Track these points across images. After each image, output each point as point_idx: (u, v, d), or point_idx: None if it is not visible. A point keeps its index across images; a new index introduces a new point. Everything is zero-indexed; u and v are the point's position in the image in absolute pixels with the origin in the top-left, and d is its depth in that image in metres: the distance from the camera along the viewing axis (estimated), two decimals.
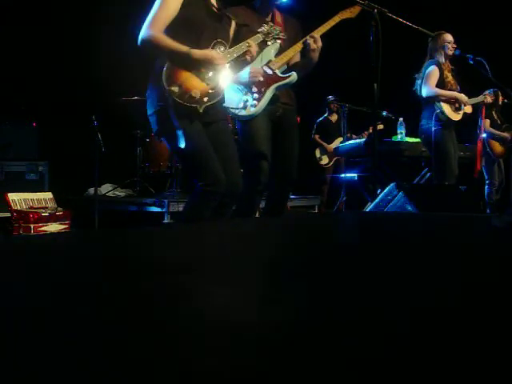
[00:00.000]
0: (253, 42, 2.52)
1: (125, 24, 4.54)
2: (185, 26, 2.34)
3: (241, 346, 0.51)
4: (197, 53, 2.32)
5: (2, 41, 5.00)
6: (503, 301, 0.71)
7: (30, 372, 0.43)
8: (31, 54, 5.12)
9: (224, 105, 2.73)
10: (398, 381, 0.43)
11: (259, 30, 2.59)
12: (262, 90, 2.79)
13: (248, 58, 2.53)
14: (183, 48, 2.30)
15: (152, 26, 2.30)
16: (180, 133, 2.30)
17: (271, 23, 2.65)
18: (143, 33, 2.31)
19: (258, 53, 2.64)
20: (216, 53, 2.38)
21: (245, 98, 2.79)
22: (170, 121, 2.33)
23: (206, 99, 2.35)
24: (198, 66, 2.34)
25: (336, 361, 0.47)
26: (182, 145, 2.31)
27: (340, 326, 0.59)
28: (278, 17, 2.95)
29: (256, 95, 2.78)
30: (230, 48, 2.47)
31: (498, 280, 0.86)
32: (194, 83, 2.34)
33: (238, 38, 2.63)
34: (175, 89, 2.27)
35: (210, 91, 2.38)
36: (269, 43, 2.62)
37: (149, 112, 2.43)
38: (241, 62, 2.55)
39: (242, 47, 2.48)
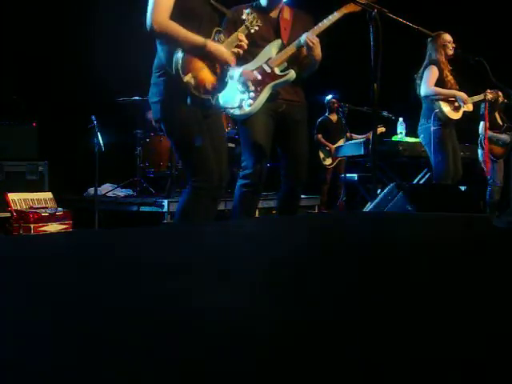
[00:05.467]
0: (243, 36, 2.51)
1: (125, 24, 4.54)
2: (185, 15, 2.31)
3: (240, 346, 0.51)
4: (212, 47, 2.32)
5: (2, 41, 5.00)
6: (503, 301, 0.71)
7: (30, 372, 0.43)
8: (31, 53, 5.12)
9: (222, 104, 2.73)
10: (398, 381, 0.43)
11: (243, 18, 2.58)
12: (259, 89, 2.78)
13: (240, 51, 2.52)
14: (199, 39, 2.29)
15: (159, 13, 2.24)
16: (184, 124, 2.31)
17: (250, 10, 2.62)
18: (152, 21, 2.24)
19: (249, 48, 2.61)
20: (229, 54, 2.38)
21: (241, 96, 2.78)
22: (175, 110, 2.32)
23: (216, 90, 2.37)
24: (208, 58, 2.34)
25: (336, 361, 0.47)
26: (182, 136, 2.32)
27: (341, 326, 0.59)
28: (287, 12, 2.92)
29: (252, 94, 2.77)
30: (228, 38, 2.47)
31: (498, 280, 0.87)
32: (206, 74, 2.34)
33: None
34: (191, 80, 2.26)
35: (218, 81, 2.39)
36: (252, 31, 2.60)
37: (154, 99, 2.41)
38: (232, 54, 2.53)
39: (234, 40, 2.48)
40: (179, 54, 2.25)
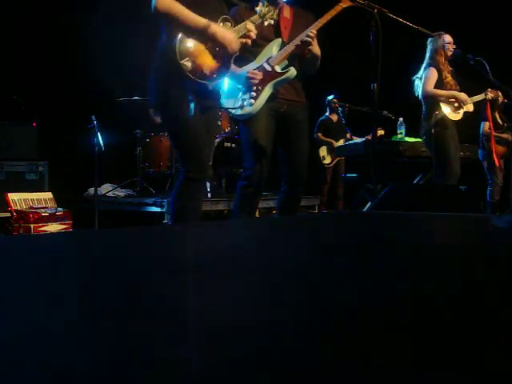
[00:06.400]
0: (252, 25, 2.47)
1: (125, 24, 4.54)
2: (190, 2, 2.30)
3: (240, 346, 0.51)
4: (216, 30, 2.27)
5: (2, 41, 5.01)
6: (503, 301, 0.71)
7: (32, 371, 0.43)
8: (32, 54, 5.12)
9: (223, 106, 2.72)
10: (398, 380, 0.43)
11: (256, 10, 2.55)
12: (260, 88, 2.77)
13: (248, 41, 2.49)
14: (202, 21, 2.24)
15: None
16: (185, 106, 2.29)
17: (266, 2, 2.59)
18: (156, 1, 2.22)
19: (258, 35, 2.58)
20: (234, 37, 2.34)
21: (242, 97, 2.77)
22: (172, 95, 2.31)
23: (215, 75, 2.34)
24: (211, 42, 2.30)
25: (337, 361, 0.47)
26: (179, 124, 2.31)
27: (341, 326, 0.59)
28: (287, 11, 2.91)
29: (253, 93, 2.76)
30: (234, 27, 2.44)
31: (497, 280, 0.86)
32: (206, 59, 2.31)
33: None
34: (188, 63, 2.23)
35: (219, 67, 2.36)
36: (265, 23, 2.58)
37: (151, 85, 2.38)
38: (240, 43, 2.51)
39: (241, 29, 2.44)
40: (179, 38, 2.23)
